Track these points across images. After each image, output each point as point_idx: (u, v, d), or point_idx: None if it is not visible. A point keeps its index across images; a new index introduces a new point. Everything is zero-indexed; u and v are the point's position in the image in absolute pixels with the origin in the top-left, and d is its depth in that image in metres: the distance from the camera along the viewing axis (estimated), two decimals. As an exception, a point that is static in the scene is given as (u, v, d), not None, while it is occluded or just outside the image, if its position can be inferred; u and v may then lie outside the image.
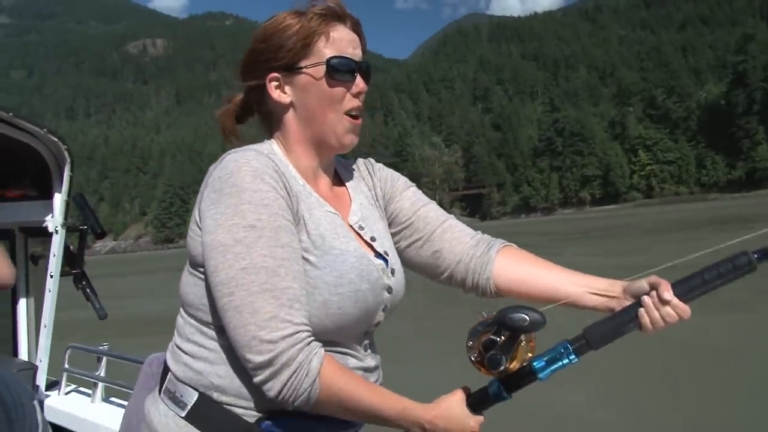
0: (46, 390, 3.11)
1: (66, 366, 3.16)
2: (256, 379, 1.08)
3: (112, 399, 3.09)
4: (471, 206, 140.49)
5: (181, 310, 1.25)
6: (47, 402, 3.06)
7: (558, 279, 1.34)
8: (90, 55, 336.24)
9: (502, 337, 1.17)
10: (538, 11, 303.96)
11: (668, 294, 1.18)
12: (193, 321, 1.21)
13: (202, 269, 1.17)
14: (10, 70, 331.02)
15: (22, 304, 3.16)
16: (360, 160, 1.46)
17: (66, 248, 2.95)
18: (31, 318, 3.15)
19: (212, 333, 1.18)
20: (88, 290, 2.95)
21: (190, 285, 1.22)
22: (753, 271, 1.17)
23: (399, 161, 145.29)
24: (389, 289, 1.27)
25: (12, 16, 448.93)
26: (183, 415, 1.17)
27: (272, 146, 1.27)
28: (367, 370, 1.26)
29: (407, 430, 1.18)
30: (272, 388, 1.07)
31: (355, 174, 1.42)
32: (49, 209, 2.95)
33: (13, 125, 2.75)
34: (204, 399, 1.16)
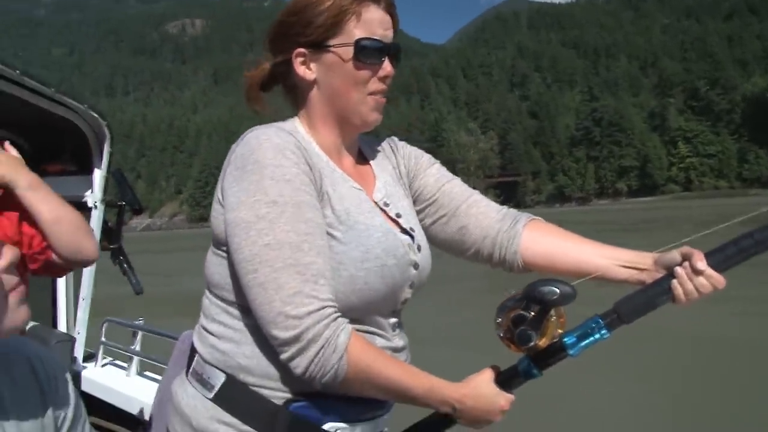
0: (83, 362, 3.18)
1: (103, 339, 3.21)
2: (283, 356, 1.07)
3: (147, 373, 3.14)
4: (505, 194, 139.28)
5: (207, 291, 1.24)
6: (84, 373, 3.12)
7: (586, 252, 1.32)
8: (129, 34, 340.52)
9: (532, 313, 1.14)
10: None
11: (702, 264, 1.15)
12: (218, 301, 1.20)
13: (225, 248, 1.17)
14: (51, 48, 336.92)
15: (62, 277, 3.22)
16: (384, 140, 1.44)
17: (104, 224, 2.98)
18: (70, 291, 3.20)
19: (238, 313, 1.17)
20: (125, 265, 2.99)
21: (215, 265, 1.21)
22: None
23: (434, 146, 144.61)
24: (416, 265, 1.26)
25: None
26: (210, 396, 1.17)
27: (295, 124, 1.26)
28: (395, 350, 1.25)
29: (436, 409, 1.17)
30: (299, 365, 1.06)
31: (379, 152, 1.40)
32: (89, 185, 2.98)
33: (55, 101, 2.77)
34: (231, 381, 1.16)
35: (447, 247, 1.42)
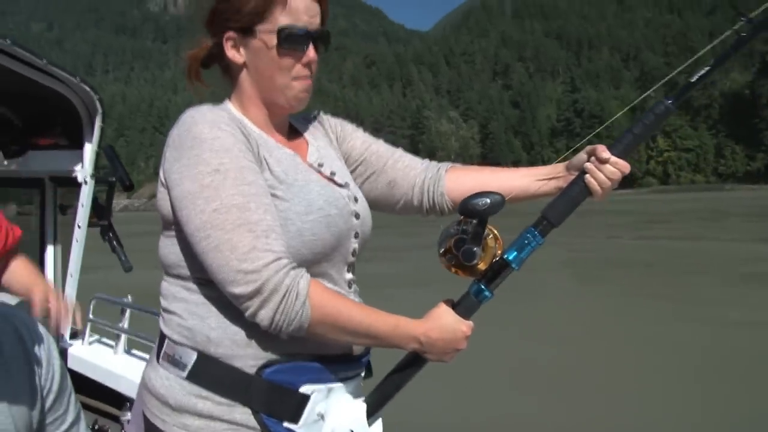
0: (70, 339, 3.14)
1: (90, 316, 3.17)
2: (248, 313, 1.10)
3: (134, 351, 3.11)
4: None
5: (164, 275, 1.27)
6: (70, 350, 3.08)
7: (506, 177, 1.42)
8: (110, 11, 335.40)
9: (469, 234, 1.22)
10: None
11: (606, 153, 1.28)
12: (177, 280, 1.23)
13: (175, 226, 1.21)
14: (30, 23, 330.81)
15: (50, 253, 3.18)
16: (311, 114, 1.49)
17: (94, 200, 2.94)
18: (58, 267, 3.16)
19: (196, 287, 1.20)
20: (114, 242, 2.96)
21: (168, 246, 1.25)
22: (671, 113, 1.32)
23: (416, 134, 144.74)
24: (356, 215, 1.32)
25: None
26: (185, 375, 1.19)
27: (227, 105, 1.31)
28: None
29: (403, 347, 1.23)
30: (264, 317, 1.09)
31: (309, 124, 1.46)
32: (79, 159, 2.93)
33: (47, 72, 2.72)
34: (203, 357, 1.18)
35: (380, 203, 1.48)
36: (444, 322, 1.22)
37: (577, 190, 1.30)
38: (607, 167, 1.29)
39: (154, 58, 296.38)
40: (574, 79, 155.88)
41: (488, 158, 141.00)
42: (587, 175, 1.30)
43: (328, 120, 1.51)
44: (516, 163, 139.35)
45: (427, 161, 1.52)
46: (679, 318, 10.58)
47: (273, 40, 1.25)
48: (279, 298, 1.08)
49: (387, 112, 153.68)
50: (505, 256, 1.24)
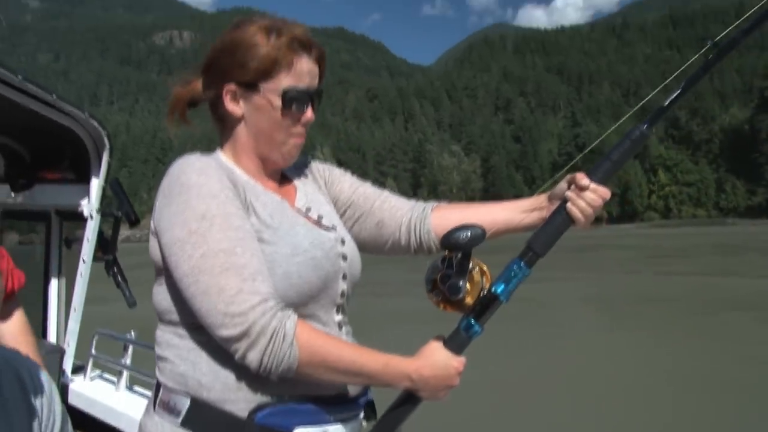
0: (72, 374, 3.11)
1: (93, 352, 3.15)
2: (237, 356, 1.10)
3: (136, 388, 3.07)
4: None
5: (158, 323, 1.28)
6: (72, 386, 3.05)
7: (490, 211, 1.43)
8: (116, 43, 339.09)
9: (455, 269, 1.23)
10: (564, 25, 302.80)
11: (585, 180, 1.30)
12: (169, 327, 1.24)
13: (165, 273, 1.22)
14: (37, 54, 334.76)
15: (54, 286, 3.16)
16: (300, 159, 1.48)
17: (99, 234, 2.94)
18: (61, 301, 3.15)
19: (186, 332, 1.21)
20: (119, 277, 2.94)
21: (160, 293, 1.26)
22: (647, 138, 1.36)
23: (417, 167, 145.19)
24: (344, 257, 1.32)
25: (43, 0, 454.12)
26: (179, 422, 1.19)
27: (218, 154, 1.33)
28: None
29: (395, 386, 1.20)
30: (253, 359, 1.09)
31: (299, 170, 1.47)
32: (86, 194, 2.94)
33: (56, 107, 2.73)
34: (195, 402, 1.18)
35: (369, 245, 1.50)
36: (436, 359, 1.21)
37: (559, 220, 1.31)
38: (587, 194, 1.29)
39: (158, 90, 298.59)
40: (575, 113, 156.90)
41: (490, 192, 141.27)
42: (569, 204, 1.30)
43: (317, 166, 1.52)
44: (517, 197, 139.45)
45: (413, 201, 1.53)
46: (719, 356, 10.41)
47: (277, 101, 1.27)
48: (266, 341, 1.08)
49: (389, 145, 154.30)
50: (493, 289, 1.24)
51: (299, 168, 1.48)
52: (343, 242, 1.35)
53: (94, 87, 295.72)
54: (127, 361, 3.05)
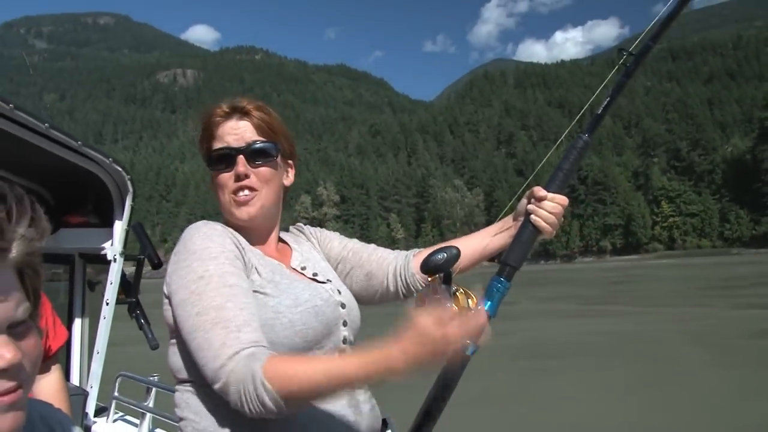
0: (95, 416, 3.12)
1: (116, 394, 3.16)
2: (232, 406, 1.14)
3: (159, 431, 3.08)
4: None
5: (176, 384, 1.34)
6: (94, 428, 3.06)
7: (466, 244, 1.50)
8: (121, 82, 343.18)
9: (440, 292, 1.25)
10: (564, 59, 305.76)
11: (542, 191, 1.40)
12: (184, 386, 1.31)
13: (176, 334, 1.29)
14: (43, 93, 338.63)
15: (77, 328, 3.20)
16: (292, 228, 1.65)
17: (122, 276, 2.98)
18: (84, 343, 3.18)
19: (201, 389, 1.26)
20: (141, 320, 2.98)
21: (173, 353, 1.32)
22: (590, 145, 1.50)
23: (421, 202, 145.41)
24: (342, 305, 1.41)
25: (50, 41, 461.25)
26: None
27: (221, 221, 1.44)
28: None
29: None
30: (242, 407, 1.12)
31: (293, 235, 1.61)
32: (109, 237, 2.99)
33: (81, 154, 2.80)
34: None
35: (361, 296, 1.57)
36: (420, 332, 1.03)
37: (527, 232, 1.40)
38: (546, 204, 1.39)
39: (162, 127, 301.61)
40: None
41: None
42: (532, 216, 1.40)
43: (309, 229, 1.65)
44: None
45: (398, 251, 1.64)
46: None
47: (207, 165, 1.41)
48: (242, 388, 1.10)
49: (392, 180, 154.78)
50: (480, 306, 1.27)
51: (293, 232, 1.62)
52: (339, 292, 1.43)
53: (99, 126, 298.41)
54: (150, 403, 3.07)
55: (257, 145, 1.40)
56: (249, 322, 1.18)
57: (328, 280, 1.46)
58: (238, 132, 1.40)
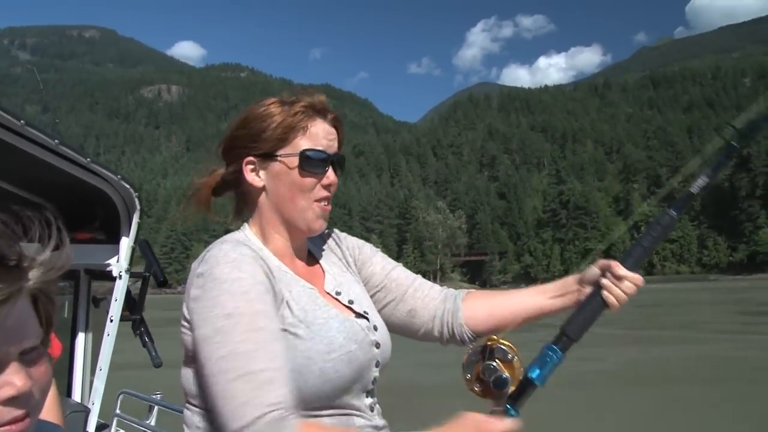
0: (95, 433, 3.11)
1: (117, 411, 3.15)
2: None
3: (160, 449, 3.07)
4: (472, 272, 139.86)
5: (186, 404, 1.29)
6: (94, 446, 3.04)
7: (520, 300, 1.44)
8: (105, 96, 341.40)
9: (497, 361, 1.24)
10: (548, 84, 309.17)
11: (622, 270, 1.30)
12: (197, 409, 1.25)
13: (194, 363, 1.22)
14: (25, 105, 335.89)
15: (80, 345, 3.18)
16: (326, 233, 1.50)
17: (127, 293, 2.98)
18: (87, 360, 3.16)
19: (209, 417, 1.21)
20: (145, 337, 2.98)
21: (188, 377, 1.26)
22: (677, 223, 1.35)
23: (403, 223, 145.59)
24: (377, 345, 1.33)
25: (34, 53, 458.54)
26: None
27: (246, 232, 1.34)
28: (376, 428, 1.30)
29: None
30: None
31: (325, 248, 1.49)
32: (115, 254, 2.99)
33: (90, 170, 2.82)
34: None
35: (399, 330, 1.49)
36: (468, 422, 1.12)
37: (595, 305, 1.32)
38: (624, 283, 1.30)
39: (145, 142, 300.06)
40: (559, 170, 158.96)
41: (475, 248, 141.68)
42: (604, 291, 1.30)
43: (346, 240, 1.53)
44: (502, 254, 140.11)
45: (444, 290, 1.52)
46: None
47: (294, 163, 1.29)
48: None
49: (375, 201, 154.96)
50: (529, 374, 1.24)
51: (325, 245, 1.49)
52: (375, 328, 1.36)
53: (81, 139, 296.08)
54: (152, 421, 3.06)
55: (342, 160, 1.37)
56: (276, 377, 1.10)
57: (364, 312, 1.38)
58: (332, 138, 1.35)
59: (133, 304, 3.00)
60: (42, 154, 2.38)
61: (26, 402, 0.69)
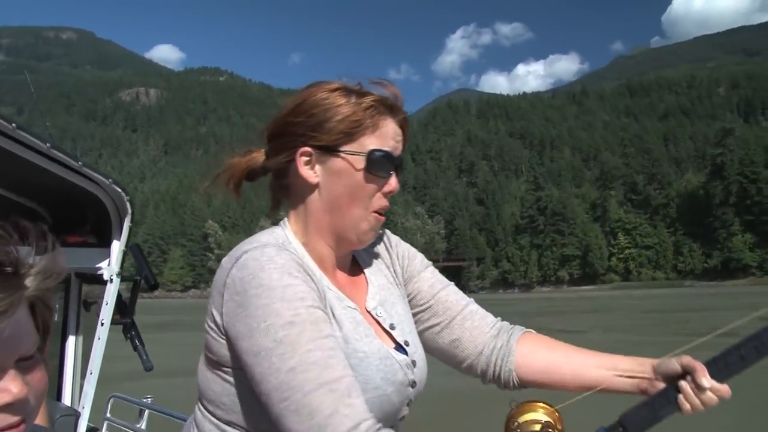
0: (86, 437, 3.10)
1: (108, 415, 3.14)
2: None
3: (150, 453, 3.08)
4: (450, 278, 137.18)
5: (199, 403, 1.19)
6: (84, 450, 3.04)
7: (581, 364, 1.28)
8: (82, 98, 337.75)
9: None
10: (526, 92, 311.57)
11: (706, 381, 1.11)
12: (213, 419, 1.16)
13: (226, 369, 1.12)
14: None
15: (71, 348, 3.18)
16: (380, 236, 1.39)
17: (118, 297, 2.99)
18: (78, 363, 3.16)
19: (229, 429, 1.13)
20: (136, 341, 2.99)
21: (210, 382, 1.15)
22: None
23: (381, 228, 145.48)
24: (413, 384, 1.23)
25: (9, 54, 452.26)
26: None
27: (286, 233, 1.22)
28: None
29: None
30: None
31: (372, 253, 1.37)
32: (106, 257, 2.99)
33: (81, 174, 2.82)
34: None
35: (439, 356, 1.37)
36: None
37: (664, 404, 1.16)
38: (706, 394, 1.11)
39: (123, 146, 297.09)
40: (536, 177, 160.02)
41: (453, 254, 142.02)
42: (681, 396, 1.13)
43: (397, 247, 1.40)
44: (480, 260, 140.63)
45: (498, 323, 1.37)
46: None
47: (361, 162, 1.17)
48: None
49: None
50: None
51: (374, 249, 1.37)
52: (414, 364, 1.24)
53: (57, 141, 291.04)
54: (143, 425, 3.06)
55: (402, 164, 1.24)
56: (355, 385, 1.02)
57: (405, 343, 1.25)
58: (399, 140, 1.22)
59: (124, 308, 3.01)
60: (33, 157, 2.40)
61: (22, 408, 0.69)
